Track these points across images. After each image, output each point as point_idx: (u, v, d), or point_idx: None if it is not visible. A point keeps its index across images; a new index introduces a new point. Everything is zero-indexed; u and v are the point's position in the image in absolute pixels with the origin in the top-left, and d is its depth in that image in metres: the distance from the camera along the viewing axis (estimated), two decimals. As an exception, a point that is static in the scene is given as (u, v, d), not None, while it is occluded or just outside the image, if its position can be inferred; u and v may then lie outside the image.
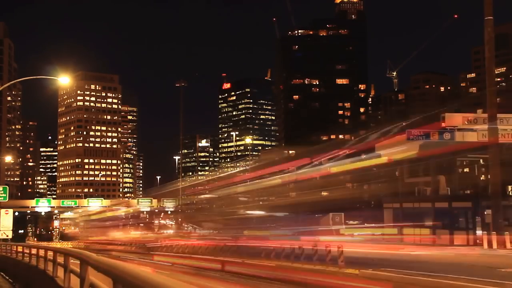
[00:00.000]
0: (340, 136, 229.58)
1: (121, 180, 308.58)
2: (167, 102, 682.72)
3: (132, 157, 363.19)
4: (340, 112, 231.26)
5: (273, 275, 22.75)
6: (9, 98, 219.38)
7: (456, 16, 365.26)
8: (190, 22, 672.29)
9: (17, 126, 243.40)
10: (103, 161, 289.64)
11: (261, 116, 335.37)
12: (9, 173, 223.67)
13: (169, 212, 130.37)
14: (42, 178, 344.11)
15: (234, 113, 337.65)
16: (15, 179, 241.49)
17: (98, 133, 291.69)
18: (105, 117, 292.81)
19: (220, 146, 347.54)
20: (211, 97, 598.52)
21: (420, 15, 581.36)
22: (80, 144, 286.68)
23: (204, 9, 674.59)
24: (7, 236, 58.53)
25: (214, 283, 22.98)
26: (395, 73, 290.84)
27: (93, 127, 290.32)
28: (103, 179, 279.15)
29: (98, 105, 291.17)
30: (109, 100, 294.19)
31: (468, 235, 45.59)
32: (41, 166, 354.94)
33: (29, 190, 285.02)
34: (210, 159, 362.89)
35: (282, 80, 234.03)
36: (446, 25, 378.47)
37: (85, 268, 8.68)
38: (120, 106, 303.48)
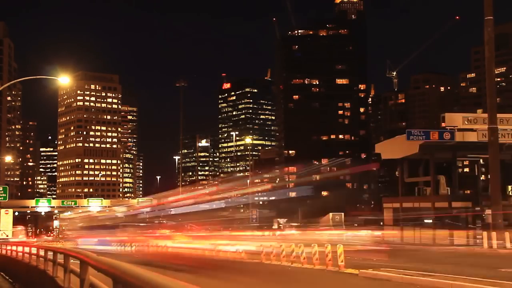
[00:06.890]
0: (340, 136, 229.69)
1: (121, 180, 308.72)
2: (167, 102, 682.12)
3: (132, 157, 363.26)
4: (340, 112, 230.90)
5: None
6: (9, 98, 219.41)
7: (457, 17, 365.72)
8: (189, 21, 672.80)
9: (17, 126, 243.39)
10: (103, 161, 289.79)
11: (261, 116, 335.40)
12: (9, 173, 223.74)
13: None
14: (42, 178, 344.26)
15: (234, 113, 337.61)
16: (15, 179, 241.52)
17: (98, 133, 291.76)
18: (105, 117, 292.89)
19: (220, 146, 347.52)
20: (211, 97, 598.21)
21: (420, 15, 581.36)
22: (80, 144, 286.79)
23: (204, 9, 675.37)
24: (7, 236, 58.65)
25: None
26: (395, 73, 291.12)
27: (93, 127, 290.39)
28: (103, 179, 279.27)
29: (98, 105, 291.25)
30: (109, 100, 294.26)
31: (468, 235, 45.64)
32: (41, 166, 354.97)
33: (29, 190, 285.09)
34: (210, 159, 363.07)
35: (282, 80, 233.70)
36: (446, 26, 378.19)
37: (85, 268, 8.67)
38: (120, 106, 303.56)
